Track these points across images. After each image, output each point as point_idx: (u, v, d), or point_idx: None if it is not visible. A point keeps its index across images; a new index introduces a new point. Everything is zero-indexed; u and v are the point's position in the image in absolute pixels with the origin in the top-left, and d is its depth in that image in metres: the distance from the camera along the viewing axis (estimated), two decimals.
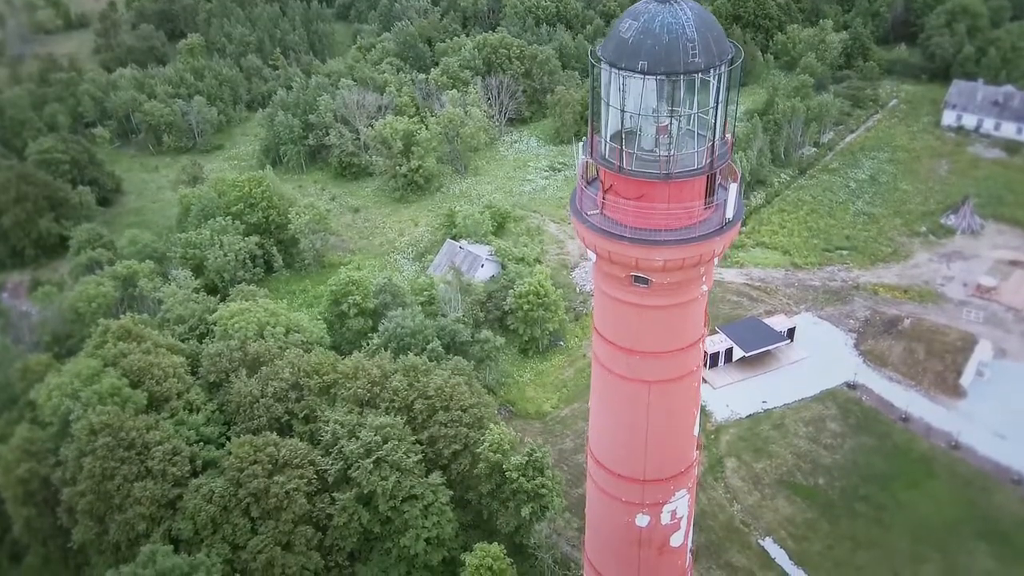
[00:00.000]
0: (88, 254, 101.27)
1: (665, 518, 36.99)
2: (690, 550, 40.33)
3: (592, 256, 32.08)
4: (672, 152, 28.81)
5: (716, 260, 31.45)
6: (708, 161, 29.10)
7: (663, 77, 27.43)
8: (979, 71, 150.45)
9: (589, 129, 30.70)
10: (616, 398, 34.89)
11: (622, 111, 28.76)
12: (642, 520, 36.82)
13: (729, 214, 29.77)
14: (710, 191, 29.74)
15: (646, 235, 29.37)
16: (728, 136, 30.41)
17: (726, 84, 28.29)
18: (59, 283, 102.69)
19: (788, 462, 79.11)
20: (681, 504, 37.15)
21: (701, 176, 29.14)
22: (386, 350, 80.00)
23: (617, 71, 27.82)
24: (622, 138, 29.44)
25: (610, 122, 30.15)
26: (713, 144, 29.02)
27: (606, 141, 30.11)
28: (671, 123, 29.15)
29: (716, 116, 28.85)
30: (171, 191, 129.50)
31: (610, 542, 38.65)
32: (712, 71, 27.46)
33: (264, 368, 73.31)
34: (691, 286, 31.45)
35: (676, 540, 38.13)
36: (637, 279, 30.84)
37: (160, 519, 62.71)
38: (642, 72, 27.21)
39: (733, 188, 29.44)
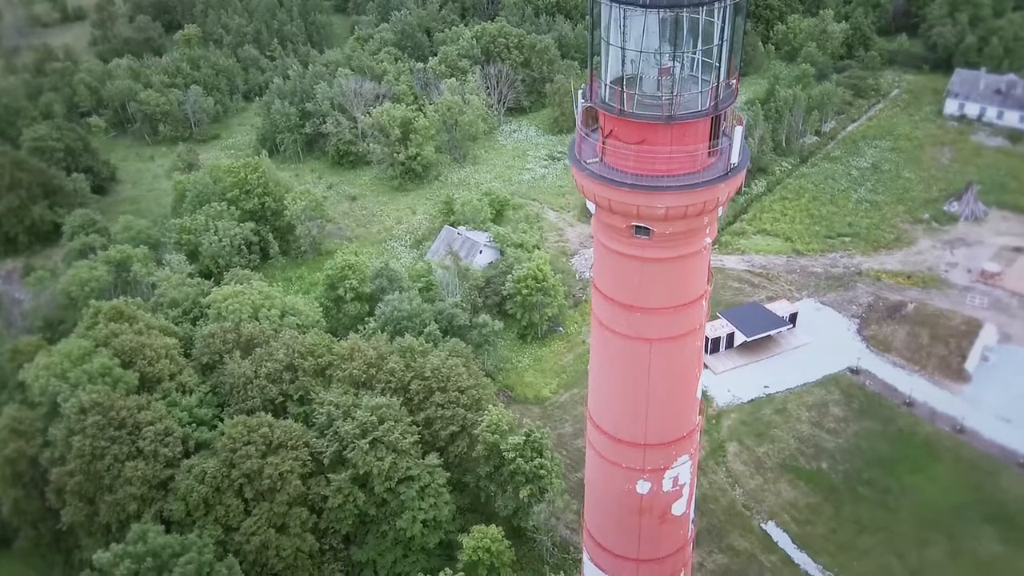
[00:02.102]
0: (82, 239, 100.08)
1: (667, 485, 35.78)
2: (692, 520, 39.14)
3: (592, 207, 30.95)
4: (675, 93, 27.61)
5: (720, 210, 30.30)
6: (712, 103, 27.90)
7: (665, 12, 26.26)
8: (981, 60, 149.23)
9: (589, 74, 29.52)
10: (616, 358, 33.70)
11: (623, 50, 27.58)
12: (643, 487, 35.61)
13: (734, 159, 28.58)
14: (714, 135, 28.54)
15: (648, 181, 28.20)
16: (733, 81, 29.27)
17: (731, 21, 27.12)
18: (52, 270, 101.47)
19: (791, 446, 77.93)
20: (683, 471, 35.94)
21: (705, 119, 27.96)
22: (383, 333, 78.85)
23: (618, 6, 26.67)
24: (623, 82, 28.29)
25: (611, 66, 28.94)
26: (717, 85, 27.83)
27: (606, 85, 28.92)
28: (674, 65, 27.98)
29: (720, 56, 27.68)
30: (167, 180, 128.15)
31: (610, 511, 37.46)
32: (716, 5, 26.28)
33: (258, 349, 72.18)
34: (694, 237, 30.26)
35: (678, 508, 36.93)
36: (638, 230, 29.63)
37: (151, 500, 61.57)
38: (643, 6, 26.05)
39: (738, 132, 28.28)
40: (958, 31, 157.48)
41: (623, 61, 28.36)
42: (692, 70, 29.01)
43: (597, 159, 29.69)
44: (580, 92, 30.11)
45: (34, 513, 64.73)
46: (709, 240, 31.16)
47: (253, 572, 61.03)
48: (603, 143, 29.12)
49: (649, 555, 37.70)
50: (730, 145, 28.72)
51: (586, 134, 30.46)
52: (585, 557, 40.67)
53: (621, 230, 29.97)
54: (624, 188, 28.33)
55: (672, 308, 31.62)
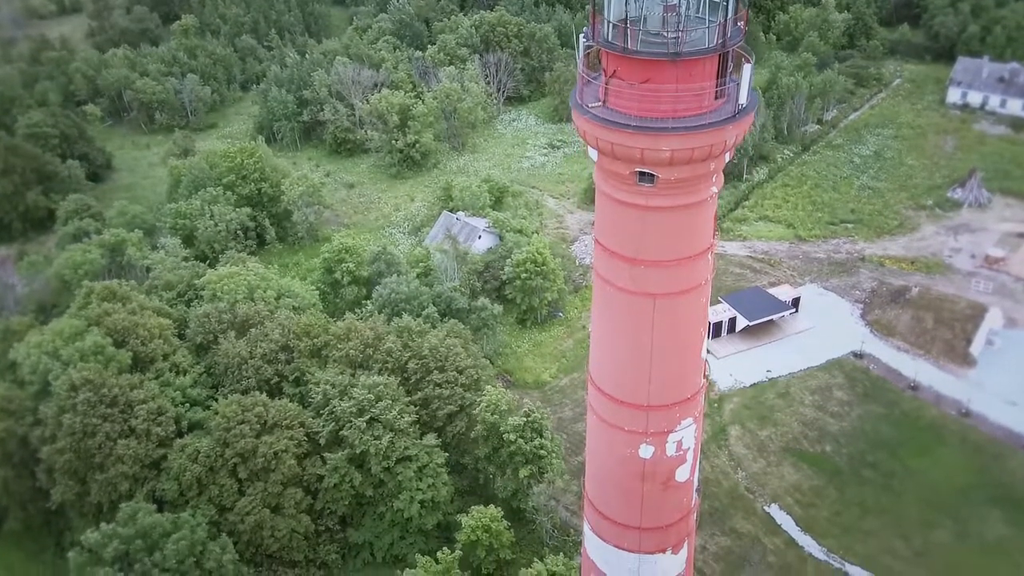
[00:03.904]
0: (76, 224, 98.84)
1: (670, 449, 34.59)
2: (696, 489, 37.98)
3: (593, 155, 29.79)
4: (681, 29, 26.47)
5: (727, 156, 29.13)
6: (720, 40, 26.74)
7: None
8: (984, 50, 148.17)
9: (591, 13, 28.37)
10: (618, 315, 32.51)
11: None
12: (646, 451, 34.43)
13: (742, 100, 27.42)
14: (721, 75, 27.38)
15: (652, 123, 27.05)
16: (741, 24, 28.11)
17: None
18: (46, 256, 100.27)
19: (794, 430, 76.81)
20: (687, 435, 34.77)
21: (712, 56, 26.81)
22: (380, 315, 77.68)
23: None
24: (627, 21, 27.16)
25: (613, 5, 27.84)
26: (725, 21, 26.68)
27: (609, 23, 27.76)
28: (679, 2, 26.88)
29: None
30: (163, 168, 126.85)
31: (612, 477, 36.29)
32: None
33: (253, 330, 71.05)
34: (700, 185, 29.09)
35: (682, 474, 35.76)
36: (642, 176, 28.46)
37: (143, 479, 60.50)
38: None
39: (747, 70, 27.11)
40: (960, 20, 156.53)
41: (627, 1, 27.30)
42: (698, 11, 27.96)
43: (599, 103, 28.54)
44: (582, 34, 29.00)
45: (24, 494, 63.61)
46: (715, 189, 30.02)
47: (248, 553, 60.05)
48: (606, 84, 27.97)
49: (652, 523, 36.50)
50: (738, 86, 27.58)
51: (588, 80, 29.33)
52: (586, 528, 39.51)
53: (624, 177, 28.80)
54: (628, 130, 27.17)
55: (676, 261, 30.45)
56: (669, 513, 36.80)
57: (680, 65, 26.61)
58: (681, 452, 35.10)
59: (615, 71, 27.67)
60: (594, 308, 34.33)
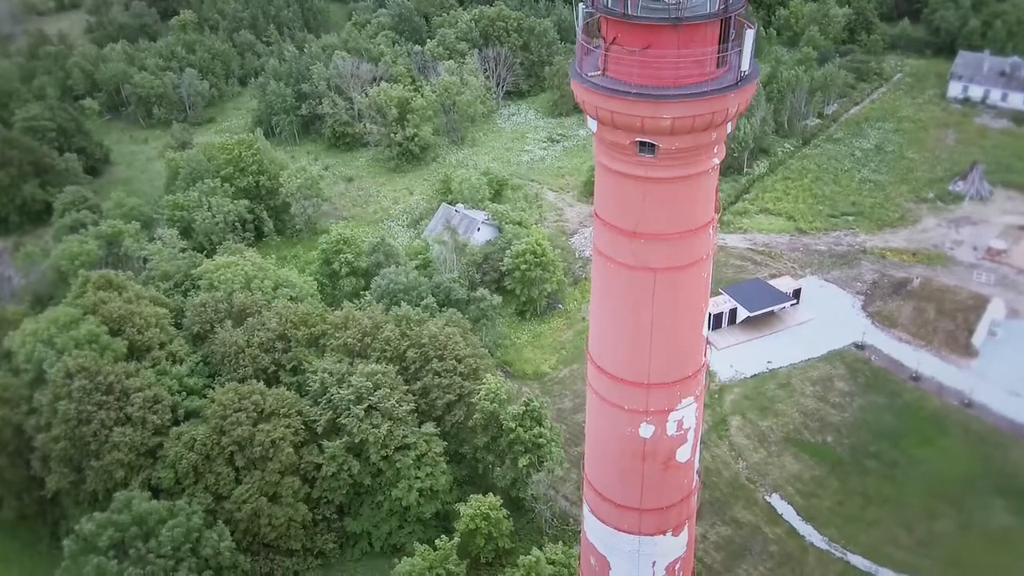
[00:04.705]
0: (72, 216, 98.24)
1: (671, 428, 34.07)
2: (697, 471, 37.47)
3: (593, 125, 29.28)
4: None
5: (729, 126, 28.64)
6: (722, 5, 26.24)
7: None
8: (984, 44, 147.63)
9: None
10: (618, 291, 32.00)
11: None
12: (646, 430, 33.92)
13: (744, 67, 26.92)
14: (723, 41, 26.88)
15: (653, 91, 26.54)
16: None
17: None
18: (43, 248, 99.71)
19: (795, 420, 76.31)
20: (688, 414, 34.25)
21: (714, 21, 26.31)
22: (378, 304, 77.18)
23: None
24: None
25: None
26: None
27: None
28: None
29: None
30: (161, 162, 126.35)
31: (611, 457, 35.76)
32: None
33: (250, 319, 70.52)
34: (701, 155, 28.57)
35: (683, 454, 35.23)
36: (642, 147, 27.96)
37: (139, 467, 59.97)
38: None
39: (749, 36, 26.60)
40: (961, 15, 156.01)
41: None
42: None
43: (599, 72, 28.04)
44: (582, 2, 28.50)
45: (19, 483, 63.06)
46: (717, 160, 29.49)
47: (244, 541, 59.51)
48: (606, 52, 27.46)
49: (652, 504, 35.98)
50: (740, 53, 27.08)
51: (588, 49, 28.84)
52: (585, 510, 38.99)
53: (624, 147, 28.28)
54: (628, 98, 26.66)
55: (678, 234, 29.92)
56: (669, 494, 36.26)
57: (681, 30, 26.09)
58: (682, 431, 34.58)
59: (615, 38, 27.15)
60: (594, 285, 33.81)
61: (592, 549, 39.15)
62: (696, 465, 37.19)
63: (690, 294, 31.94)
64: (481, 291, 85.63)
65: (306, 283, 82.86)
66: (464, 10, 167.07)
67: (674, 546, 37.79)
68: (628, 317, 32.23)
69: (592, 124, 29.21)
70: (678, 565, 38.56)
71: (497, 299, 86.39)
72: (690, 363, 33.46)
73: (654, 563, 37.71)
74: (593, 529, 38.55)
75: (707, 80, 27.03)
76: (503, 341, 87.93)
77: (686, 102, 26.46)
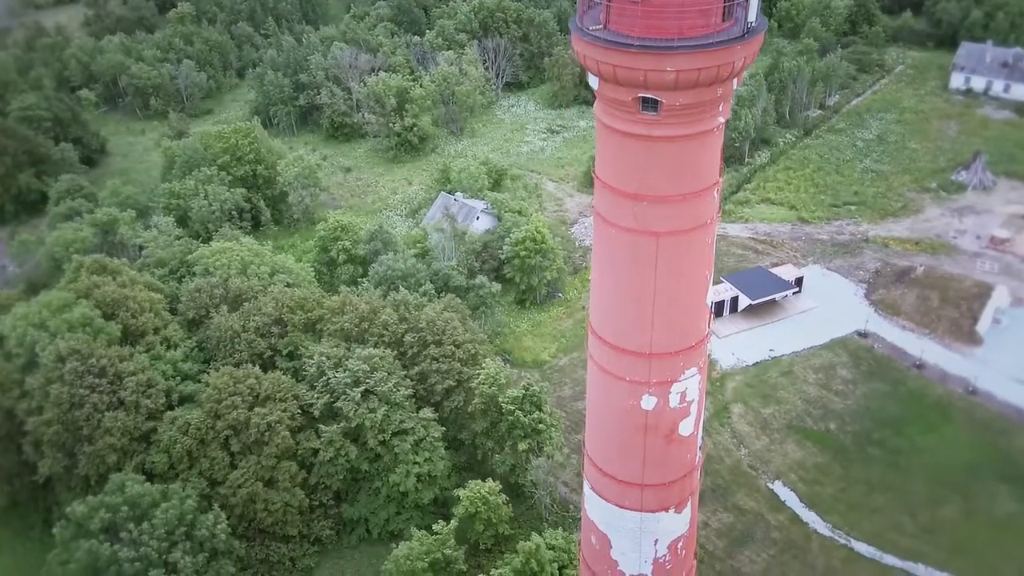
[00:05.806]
0: (68, 204, 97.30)
1: (674, 400, 33.17)
2: (700, 447, 36.56)
3: (594, 82, 28.38)
4: None
5: (736, 84, 27.75)
6: None
7: None
8: (987, 35, 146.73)
9: None
10: (620, 257, 31.08)
11: None
12: (648, 402, 33.02)
13: (751, 18, 26.02)
14: None
15: (656, 42, 25.63)
16: None
17: None
18: (38, 236, 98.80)
19: (797, 408, 75.43)
20: (691, 385, 33.35)
21: None
22: (376, 290, 76.27)
23: None
24: None
25: None
26: None
27: None
28: None
29: None
30: (157, 152, 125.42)
31: (612, 430, 34.87)
32: None
33: (246, 304, 69.63)
34: (706, 113, 27.66)
35: (686, 428, 34.33)
36: (645, 103, 27.04)
37: (132, 452, 59.09)
38: None
39: None
40: (963, 7, 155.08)
41: None
42: None
43: (601, 26, 27.16)
44: None
45: (10, 468, 62.18)
46: (723, 119, 28.60)
47: (240, 527, 58.60)
48: (608, 3, 26.55)
49: (655, 480, 35.08)
50: (747, 4, 26.18)
51: (590, 3, 27.97)
52: (586, 487, 38.08)
53: (626, 105, 27.36)
54: (631, 51, 25.75)
55: (681, 197, 29.01)
56: (672, 469, 35.35)
57: None
58: (685, 404, 33.66)
59: None
60: (595, 251, 32.88)
61: (593, 527, 38.25)
62: (699, 440, 36.30)
63: (694, 260, 31.02)
64: (480, 279, 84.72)
65: (303, 270, 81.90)
66: (463, 1, 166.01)
67: (677, 523, 36.89)
68: (630, 284, 31.30)
69: (593, 81, 28.31)
70: (681, 543, 37.66)
71: (496, 287, 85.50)
72: (693, 332, 32.55)
73: (656, 541, 36.82)
74: (594, 507, 37.64)
75: (713, 32, 26.17)
76: (502, 329, 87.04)
77: (691, 54, 25.54)
